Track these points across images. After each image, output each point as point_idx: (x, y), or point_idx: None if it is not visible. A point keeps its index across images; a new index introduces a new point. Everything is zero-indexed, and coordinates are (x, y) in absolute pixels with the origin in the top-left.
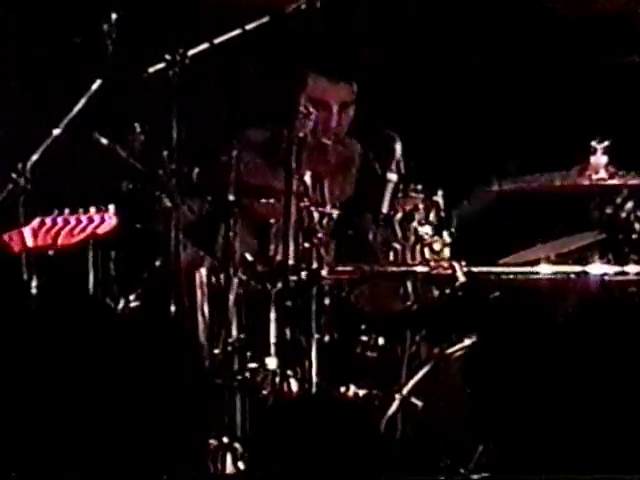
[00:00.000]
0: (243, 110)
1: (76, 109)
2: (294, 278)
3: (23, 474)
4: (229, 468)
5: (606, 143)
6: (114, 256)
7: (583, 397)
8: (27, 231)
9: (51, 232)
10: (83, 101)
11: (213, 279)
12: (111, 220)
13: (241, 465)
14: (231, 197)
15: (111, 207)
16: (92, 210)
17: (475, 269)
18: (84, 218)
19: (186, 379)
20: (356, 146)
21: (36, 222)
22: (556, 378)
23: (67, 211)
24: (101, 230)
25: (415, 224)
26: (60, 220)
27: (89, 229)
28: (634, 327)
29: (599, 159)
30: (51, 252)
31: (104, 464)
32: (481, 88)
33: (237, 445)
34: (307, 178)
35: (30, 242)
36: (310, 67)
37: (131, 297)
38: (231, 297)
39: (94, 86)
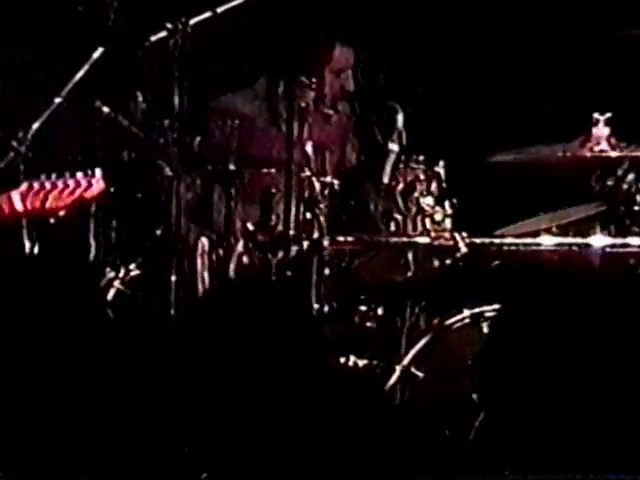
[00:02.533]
0: (244, 80)
1: (78, 77)
2: (295, 248)
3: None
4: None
5: (608, 115)
6: (115, 225)
7: (582, 367)
8: (15, 195)
9: (39, 196)
10: (85, 69)
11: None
12: (99, 184)
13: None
14: (232, 167)
15: (98, 171)
16: (79, 175)
17: (476, 240)
18: (71, 182)
19: (187, 348)
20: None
21: (24, 186)
22: (556, 348)
23: (54, 175)
24: (89, 194)
25: (416, 195)
26: (48, 184)
27: (77, 193)
28: (635, 299)
29: (601, 131)
30: (43, 217)
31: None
32: (484, 59)
33: None
34: (308, 148)
35: (19, 206)
36: (308, 33)
37: (132, 266)
38: (232, 267)
39: (96, 55)
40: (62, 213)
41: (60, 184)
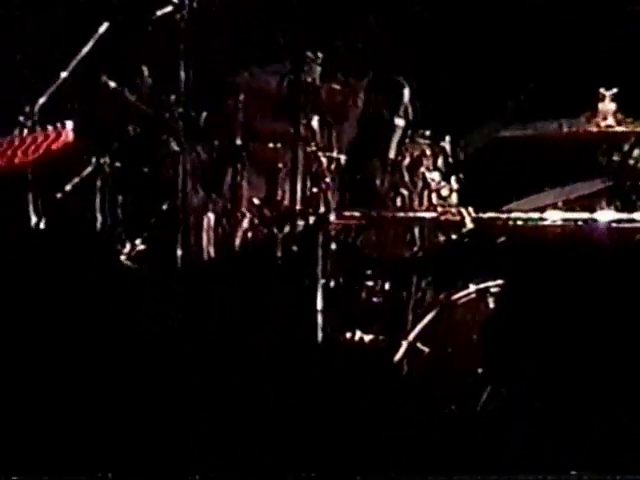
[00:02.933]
0: (251, 54)
1: (84, 52)
2: (301, 223)
3: None
4: None
5: (614, 90)
6: (121, 200)
7: (588, 341)
8: None
9: (7, 152)
10: (91, 44)
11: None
12: (67, 136)
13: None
14: (238, 141)
15: (69, 123)
16: (49, 128)
17: (483, 215)
18: (40, 135)
19: (190, 323)
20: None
21: None
22: (561, 323)
23: (25, 131)
24: (56, 146)
25: (423, 170)
26: (17, 140)
27: (44, 145)
28: None
29: (607, 106)
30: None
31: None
32: (490, 34)
33: None
34: (314, 123)
35: None
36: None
37: (137, 241)
38: (237, 241)
39: (102, 29)
40: (30, 167)
41: (29, 139)
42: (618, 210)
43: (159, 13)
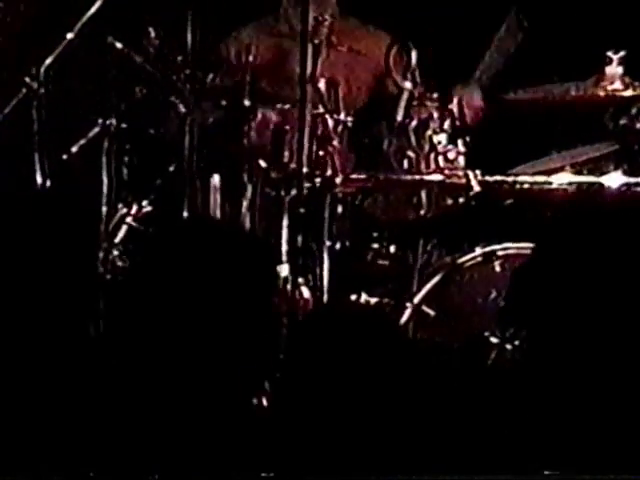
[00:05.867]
0: (258, 16)
1: (90, 13)
2: (308, 185)
3: None
4: None
5: (622, 53)
6: (127, 162)
7: (596, 307)
8: None
9: None
10: (97, 5)
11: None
12: None
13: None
14: (246, 102)
15: None
16: None
17: (489, 178)
18: None
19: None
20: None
21: None
22: (569, 288)
23: None
24: None
25: (430, 132)
26: None
27: None
28: None
29: (615, 69)
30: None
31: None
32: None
33: None
34: (321, 85)
35: None
36: None
37: (144, 203)
38: (244, 203)
39: None
40: None
41: None
42: (626, 174)
43: None
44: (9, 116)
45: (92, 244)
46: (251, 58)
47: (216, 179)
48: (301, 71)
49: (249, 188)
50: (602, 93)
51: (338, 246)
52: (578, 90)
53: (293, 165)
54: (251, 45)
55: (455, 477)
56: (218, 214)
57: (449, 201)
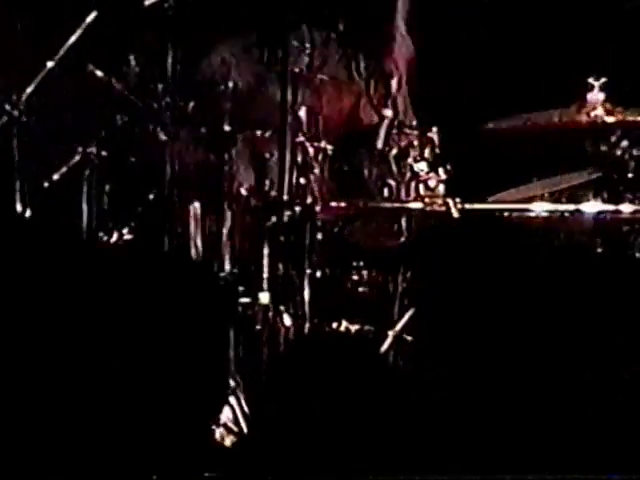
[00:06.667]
0: (240, 43)
1: (71, 41)
2: (288, 213)
3: None
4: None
5: (603, 80)
6: (108, 190)
7: (573, 332)
8: None
9: None
10: (78, 33)
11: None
12: None
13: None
14: (227, 127)
15: None
16: None
17: (469, 206)
18: None
19: (179, 313)
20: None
21: None
22: (547, 316)
23: None
24: None
25: (410, 160)
26: None
27: None
28: (628, 266)
29: (596, 96)
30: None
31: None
32: (479, 24)
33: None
34: (302, 113)
35: None
36: None
37: (124, 231)
38: (224, 231)
39: (89, 18)
40: None
41: None
42: (605, 202)
43: (147, 2)
44: None
45: (72, 271)
46: (231, 84)
47: (196, 206)
48: (282, 99)
49: (229, 216)
50: (584, 119)
51: (319, 274)
52: (560, 116)
53: (273, 193)
54: (231, 70)
55: None
56: (198, 241)
57: (429, 229)
